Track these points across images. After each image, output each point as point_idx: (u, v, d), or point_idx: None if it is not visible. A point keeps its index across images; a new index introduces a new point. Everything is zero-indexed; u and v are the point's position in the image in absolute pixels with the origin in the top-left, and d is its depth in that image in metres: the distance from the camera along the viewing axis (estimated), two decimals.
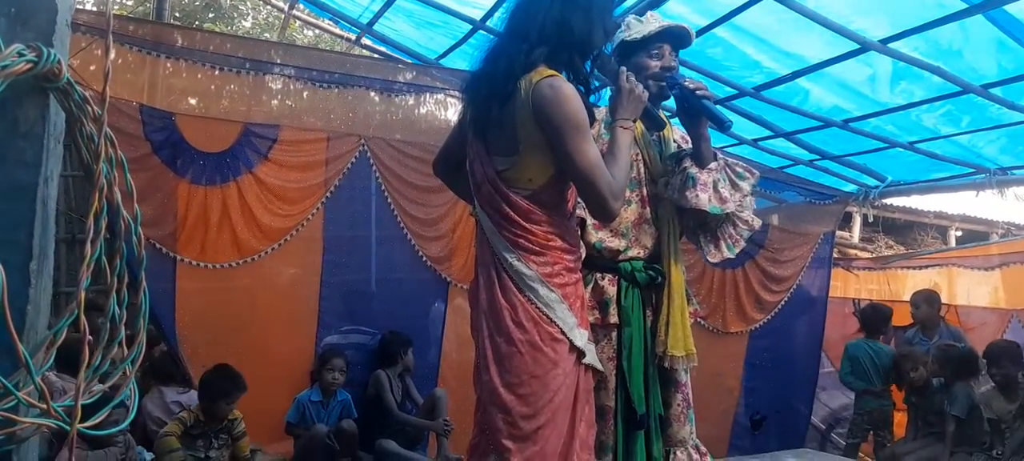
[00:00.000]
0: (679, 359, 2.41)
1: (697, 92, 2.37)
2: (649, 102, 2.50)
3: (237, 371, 3.67)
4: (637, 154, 2.50)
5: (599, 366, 2.12)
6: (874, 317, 5.49)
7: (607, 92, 2.39)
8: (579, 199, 2.46)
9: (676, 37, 2.49)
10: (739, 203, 2.50)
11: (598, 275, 2.46)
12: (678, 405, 2.49)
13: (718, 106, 2.42)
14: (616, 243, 2.47)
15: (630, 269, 2.44)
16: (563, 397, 1.96)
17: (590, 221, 2.47)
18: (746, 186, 2.51)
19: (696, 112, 2.40)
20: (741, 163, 2.55)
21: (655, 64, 2.45)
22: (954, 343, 4.93)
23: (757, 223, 2.58)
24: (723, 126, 2.36)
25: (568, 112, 1.86)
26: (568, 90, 1.88)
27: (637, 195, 2.49)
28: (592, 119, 2.01)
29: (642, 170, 2.50)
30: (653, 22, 2.48)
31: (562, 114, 1.86)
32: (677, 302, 2.43)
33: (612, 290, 2.44)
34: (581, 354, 2.01)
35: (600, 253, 2.47)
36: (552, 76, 1.90)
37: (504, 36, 2.07)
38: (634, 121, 2.12)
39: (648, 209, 2.50)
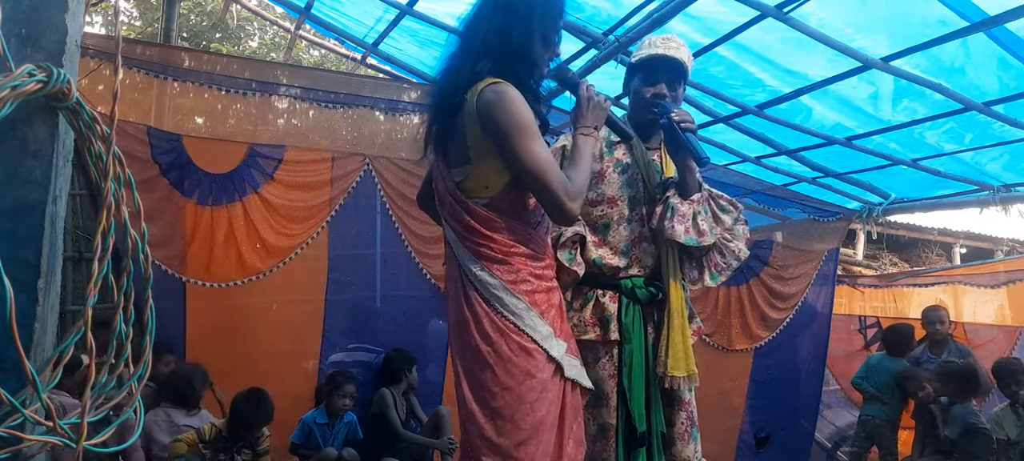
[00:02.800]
0: (680, 380, 2.40)
1: (681, 124, 2.37)
2: (642, 129, 2.53)
3: (268, 400, 3.63)
4: (636, 173, 2.51)
5: (585, 381, 2.07)
6: (896, 340, 5.43)
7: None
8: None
9: (668, 65, 2.49)
10: (722, 235, 2.49)
11: (599, 292, 2.46)
12: (682, 423, 2.48)
13: (701, 141, 2.40)
14: (615, 261, 2.47)
15: (630, 286, 2.45)
16: (545, 412, 1.90)
17: (590, 238, 2.48)
18: (728, 219, 2.51)
19: (679, 143, 2.41)
20: (725, 196, 2.55)
21: (647, 91, 2.48)
22: (955, 359, 4.90)
23: (744, 254, 2.56)
24: (701, 161, 2.34)
25: (513, 114, 1.84)
26: (512, 94, 1.87)
27: (637, 214, 2.50)
28: (545, 127, 2.00)
29: (642, 189, 2.51)
30: (647, 48, 2.50)
31: (507, 116, 1.84)
32: (677, 322, 2.42)
33: (613, 307, 2.43)
34: (561, 366, 1.96)
35: (600, 270, 2.47)
36: (496, 83, 1.89)
37: (455, 50, 2.07)
38: (597, 129, 2.09)
39: (648, 228, 2.50)
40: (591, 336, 2.43)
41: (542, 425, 1.90)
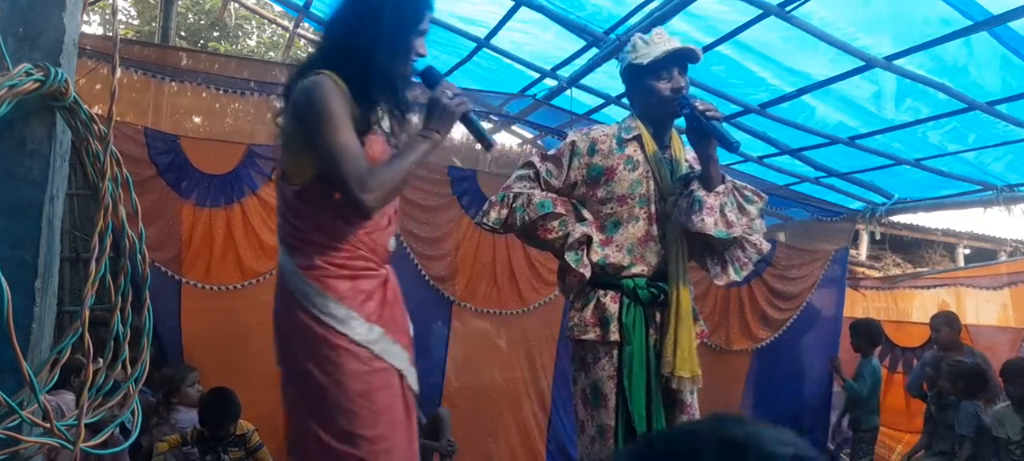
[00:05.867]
0: (685, 380, 2.39)
1: (707, 113, 2.36)
2: (658, 126, 2.51)
3: (231, 396, 3.59)
4: (647, 172, 2.50)
5: (397, 363, 1.97)
6: (873, 336, 5.41)
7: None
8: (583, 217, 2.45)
9: (679, 58, 2.48)
10: (746, 227, 2.48)
11: (600, 292, 2.45)
12: None
13: (726, 126, 2.41)
14: (619, 259, 2.46)
15: (632, 286, 2.43)
16: (339, 397, 1.85)
17: (597, 238, 2.47)
18: (753, 210, 2.49)
19: (705, 133, 2.38)
20: (749, 187, 2.53)
21: (665, 87, 2.46)
22: (963, 359, 4.88)
23: (766, 247, 2.55)
24: (731, 147, 2.34)
25: (318, 102, 1.84)
26: (324, 84, 1.86)
27: (645, 212, 2.48)
28: (366, 127, 1.94)
29: (651, 188, 2.50)
30: (659, 44, 2.47)
31: (313, 105, 1.84)
32: (685, 322, 2.41)
33: (614, 307, 2.43)
34: (368, 348, 1.89)
35: (603, 270, 2.46)
36: (318, 73, 1.89)
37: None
38: (440, 133, 1.99)
39: (655, 227, 2.48)
40: (591, 336, 2.43)
41: (336, 408, 1.86)
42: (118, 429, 1.72)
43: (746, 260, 2.51)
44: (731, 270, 2.51)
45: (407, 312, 2.08)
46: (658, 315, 2.47)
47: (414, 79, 2.05)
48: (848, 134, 4.45)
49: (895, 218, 6.21)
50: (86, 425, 1.44)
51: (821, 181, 5.40)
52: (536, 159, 2.57)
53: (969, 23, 3.07)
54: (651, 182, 2.49)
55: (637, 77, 2.53)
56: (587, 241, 2.46)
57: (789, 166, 5.27)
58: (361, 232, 1.93)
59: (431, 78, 2.04)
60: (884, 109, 4.10)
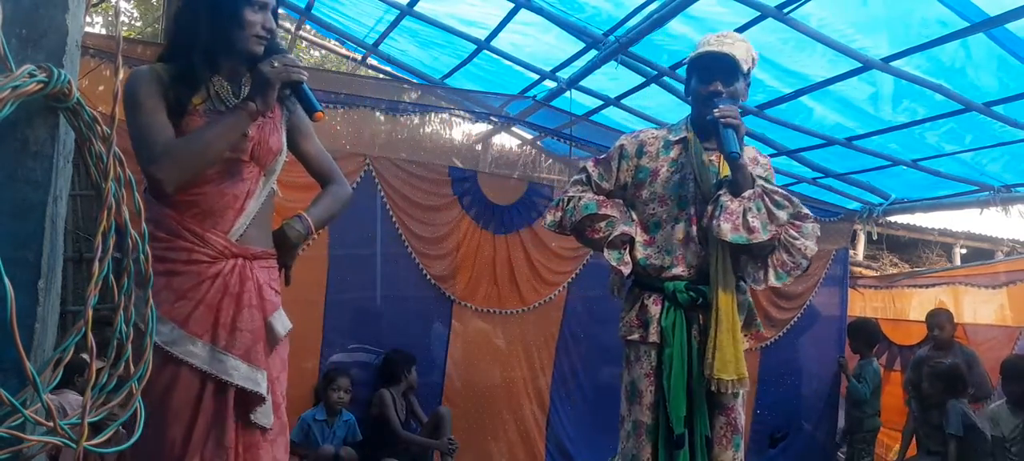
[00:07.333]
0: (727, 383, 2.40)
1: (722, 119, 2.35)
2: (703, 128, 2.51)
3: None
4: (690, 174, 2.52)
5: (196, 363, 1.91)
6: (872, 336, 5.45)
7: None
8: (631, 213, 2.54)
9: (719, 62, 2.46)
10: (777, 233, 2.44)
11: (645, 295, 2.51)
12: (721, 428, 2.50)
13: (733, 135, 2.34)
14: (660, 260, 2.50)
15: (672, 289, 2.47)
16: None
17: (640, 238, 2.52)
18: (783, 215, 2.45)
19: (719, 138, 2.39)
20: (780, 191, 2.49)
21: (703, 89, 2.50)
22: (941, 359, 4.90)
23: (812, 251, 2.52)
24: (730, 155, 2.34)
25: (126, 94, 1.87)
26: (134, 76, 1.90)
27: (685, 214, 2.51)
28: (181, 109, 1.91)
29: (692, 189, 2.51)
30: (700, 47, 2.51)
31: (124, 98, 1.87)
32: (725, 325, 2.41)
33: (655, 310, 2.48)
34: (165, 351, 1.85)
35: (645, 270, 2.50)
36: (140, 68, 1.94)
37: None
38: (255, 103, 1.93)
39: (696, 229, 2.50)
40: (635, 336, 2.51)
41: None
42: (121, 427, 1.74)
43: (792, 265, 2.49)
44: (772, 275, 2.49)
45: (273, 309, 2.09)
46: (701, 317, 2.49)
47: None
48: (845, 135, 4.47)
49: (892, 218, 6.23)
50: (90, 424, 1.45)
51: (818, 182, 5.41)
52: (590, 164, 2.67)
53: (966, 25, 3.08)
54: (692, 184, 2.51)
55: (688, 77, 2.60)
56: (629, 240, 2.52)
57: (787, 167, 5.28)
58: (191, 222, 1.91)
59: (268, 51, 2.00)
60: (881, 110, 4.11)
